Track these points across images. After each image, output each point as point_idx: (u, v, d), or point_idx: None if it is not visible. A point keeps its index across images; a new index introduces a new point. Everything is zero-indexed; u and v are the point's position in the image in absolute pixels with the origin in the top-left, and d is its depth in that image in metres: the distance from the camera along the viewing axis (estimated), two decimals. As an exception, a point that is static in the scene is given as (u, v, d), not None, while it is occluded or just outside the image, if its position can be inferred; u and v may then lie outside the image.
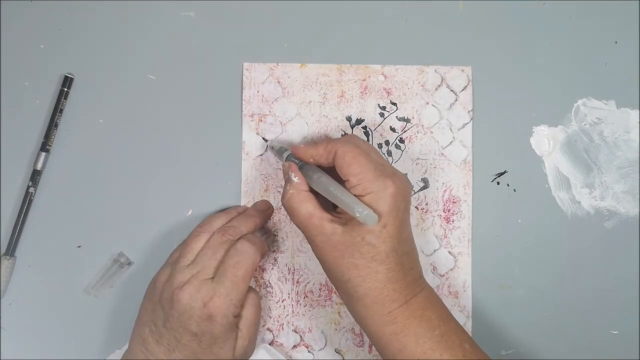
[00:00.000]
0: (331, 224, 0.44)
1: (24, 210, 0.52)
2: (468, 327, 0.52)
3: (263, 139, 0.53)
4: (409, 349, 0.44)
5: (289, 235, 0.53)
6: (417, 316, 0.44)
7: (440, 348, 0.44)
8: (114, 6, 0.53)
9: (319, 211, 0.45)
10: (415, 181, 0.53)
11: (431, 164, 0.53)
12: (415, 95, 0.53)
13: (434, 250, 0.53)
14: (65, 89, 0.52)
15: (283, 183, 0.53)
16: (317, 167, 0.47)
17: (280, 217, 0.53)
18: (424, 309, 0.45)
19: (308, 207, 0.45)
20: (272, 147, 0.52)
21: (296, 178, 0.46)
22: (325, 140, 0.48)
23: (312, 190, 0.46)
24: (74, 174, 0.53)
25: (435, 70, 0.53)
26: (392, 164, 0.53)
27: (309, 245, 0.52)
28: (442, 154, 0.53)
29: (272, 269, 0.53)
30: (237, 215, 0.51)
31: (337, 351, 0.53)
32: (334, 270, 0.45)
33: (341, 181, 0.45)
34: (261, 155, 0.53)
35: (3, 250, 0.52)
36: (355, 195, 0.44)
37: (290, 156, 0.49)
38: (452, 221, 0.53)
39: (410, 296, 0.44)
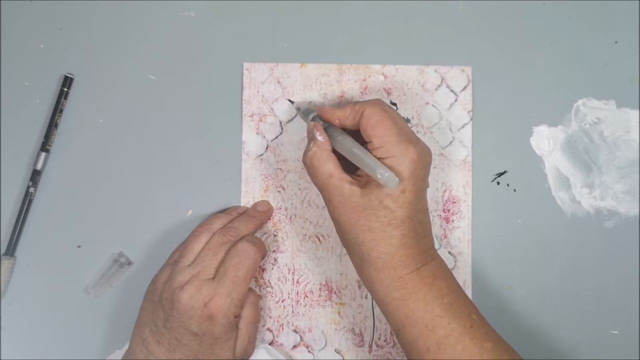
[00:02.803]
0: (350, 185, 0.45)
1: (24, 210, 0.52)
2: (468, 327, 0.52)
3: (289, 100, 0.53)
4: (417, 314, 0.44)
5: (289, 235, 0.53)
6: (427, 283, 0.44)
7: (449, 316, 0.44)
8: (114, 6, 0.53)
9: (339, 172, 0.45)
10: (415, 181, 0.53)
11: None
12: (415, 95, 0.53)
13: (434, 250, 0.53)
14: (65, 89, 0.52)
15: (286, 179, 0.53)
16: (342, 129, 0.47)
17: (280, 217, 0.53)
18: (434, 277, 0.45)
19: (329, 166, 0.45)
20: (299, 109, 0.51)
21: (321, 137, 0.46)
22: (352, 103, 0.48)
23: (334, 152, 0.46)
24: (74, 174, 0.53)
25: (435, 70, 0.53)
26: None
27: (309, 245, 0.52)
28: (442, 154, 0.53)
29: (272, 269, 0.53)
30: (237, 216, 0.51)
31: (337, 351, 0.53)
32: (348, 231, 0.45)
33: (364, 143, 0.45)
34: (261, 155, 0.53)
35: (3, 250, 0.52)
36: (377, 158, 0.44)
37: (316, 118, 0.49)
38: (452, 221, 0.53)
39: (422, 264, 0.45)
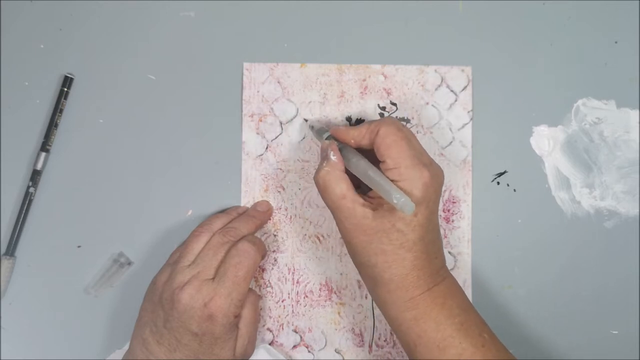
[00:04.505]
0: (362, 208, 0.44)
1: (24, 210, 0.52)
2: (468, 327, 0.52)
3: (304, 119, 0.52)
4: (429, 334, 0.44)
5: (289, 235, 0.53)
6: (439, 303, 0.44)
7: (460, 336, 0.44)
8: (114, 6, 0.53)
9: (351, 193, 0.45)
10: (415, 181, 0.53)
11: (431, 164, 0.53)
12: (415, 95, 0.53)
13: (434, 250, 0.53)
14: (65, 89, 0.52)
15: (286, 179, 0.53)
16: (357, 150, 0.47)
17: (280, 217, 0.53)
18: (446, 297, 0.45)
19: (342, 187, 0.45)
20: (312, 127, 0.51)
21: (334, 157, 0.46)
22: (367, 122, 0.47)
23: (346, 173, 0.46)
24: (74, 174, 0.53)
25: (435, 70, 0.53)
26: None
27: (309, 245, 0.52)
28: (442, 154, 0.53)
29: (272, 269, 0.53)
30: (237, 216, 0.51)
31: (337, 351, 0.53)
32: (360, 254, 0.45)
33: (377, 162, 0.45)
34: (261, 155, 0.53)
35: (3, 250, 0.52)
36: (390, 180, 0.44)
37: (330, 137, 0.48)
38: (452, 221, 0.53)
39: (433, 284, 0.45)
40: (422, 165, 0.44)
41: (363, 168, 0.44)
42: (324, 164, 0.46)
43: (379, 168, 0.45)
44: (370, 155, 0.46)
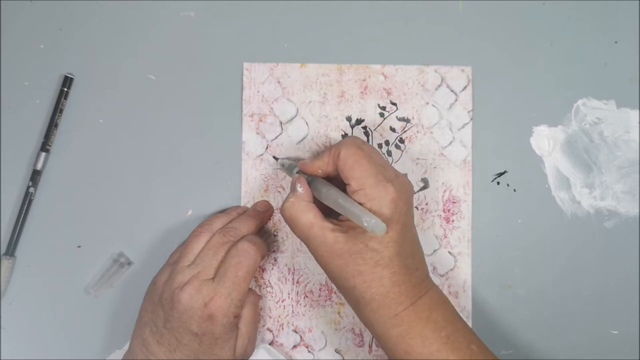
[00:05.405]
0: (333, 233, 0.44)
1: (24, 210, 0.52)
2: (468, 327, 0.52)
3: (274, 157, 0.53)
4: (416, 350, 0.43)
5: (289, 236, 0.53)
6: (424, 318, 0.44)
7: (447, 349, 0.43)
8: (114, 6, 0.53)
9: (319, 220, 0.45)
10: (415, 181, 0.53)
11: (431, 164, 0.53)
12: (415, 95, 0.53)
13: (434, 250, 0.53)
14: (65, 89, 0.52)
15: (286, 179, 0.53)
16: (326, 180, 0.47)
17: (280, 217, 0.53)
18: (430, 310, 0.44)
19: (309, 216, 0.45)
20: (282, 165, 0.51)
21: (301, 188, 0.46)
22: (328, 148, 0.47)
23: (316, 201, 0.46)
24: (74, 174, 0.53)
25: (435, 70, 0.53)
26: (392, 164, 0.53)
27: (309, 246, 0.52)
28: (442, 154, 0.53)
29: (272, 269, 0.53)
30: (237, 216, 0.51)
31: (337, 351, 0.53)
32: (339, 278, 0.45)
33: (343, 185, 0.45)
34: (261, 155, 0.53)
35: (3, 250, 0.52)
36: (357, 202, 0.43)
37: (300, 172, 0.49)
38: (452, 221, 0.53)
39: (416, 298, 0.44)
40: (387, 181, 0.44)
41: (333, 196, 0.44)
42: (289, 196, 0.46)
43: (346, 191, 0.45)
44: (342, 182, 0.46)
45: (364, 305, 0.44)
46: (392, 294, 0.44)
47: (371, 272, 0.43)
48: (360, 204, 0.43)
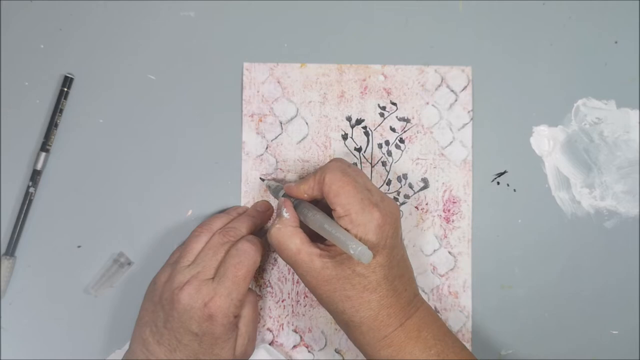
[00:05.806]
0: (320, 259, 0.44)
1: (24, 210, 0.52)
2: (468, 327, 0.52)
3: (260, 178, 0.52)
4: None
5: (289, 235, 0.53)
6: (413, 337, 0.44)
7: None
8: (114, 6, 0.53)
9: (306, 246, 0.45)
10: (415, 181, 0.53)
11: (431, 164, 0.53)
12: (415, 95, 0.53)
13: (434, 250, 0.53)
14: (65, 89, 0.52)
15: (284, 177, 0.53)
16: (312, 204, 0.47)
17: (280, 217, 0.53)
18: (420, 329, 0.45)
19: (296, 242, 0.45)
20: (269, 187, 0.51)
21: (287, 214, 0.46)
22: (314, 172, 0.47)
23: (301, 226, 0.46)
24: (74, 174, 0.53)
25: (435, 70, 0.53)
26: (392, 164, 0.53)
27: (309, 246, 0.52)
28: (442, 154, 0.53)
29: (272, 269, 0.53)
30: (237, 216, 0.51)
31: (337, 351, 0.53)
32: (328, 302, 0.45)
33: (329, 209, 0.45)
34: (261, 155, 0.53)
35: (3, 250, 0.52)
36: (343, 228, 0.43)
37: (286, 195, 0.48)
38: (452, 221, 0.53)
39: (405, 318, 0.45)
40: (372, 206, 0.44)
41: (319, 222, 0.44)
42: (276, 222, 0.46)
43: (332, 216, 0.44)
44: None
45: (354, 329, 0.45)
46: (381, 316, 0.44)
47: (359, 296, 0.44)
48: (346, 229, 0.43)
